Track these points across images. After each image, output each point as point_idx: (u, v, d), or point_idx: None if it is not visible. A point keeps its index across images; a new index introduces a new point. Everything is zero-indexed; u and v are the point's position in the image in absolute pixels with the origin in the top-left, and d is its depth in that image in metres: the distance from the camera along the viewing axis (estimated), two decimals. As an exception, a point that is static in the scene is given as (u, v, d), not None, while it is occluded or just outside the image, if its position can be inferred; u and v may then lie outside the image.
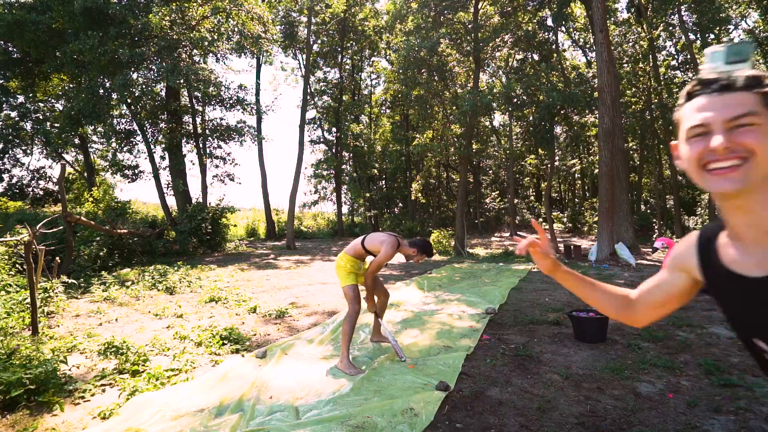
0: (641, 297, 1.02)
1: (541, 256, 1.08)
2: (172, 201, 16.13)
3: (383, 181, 28.85)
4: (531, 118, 18.03)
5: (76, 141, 17.34)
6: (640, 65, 20.14)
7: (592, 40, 19.79)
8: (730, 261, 0.78)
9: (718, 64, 0.75)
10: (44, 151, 18.04)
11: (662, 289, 0.97)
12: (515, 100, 15.48)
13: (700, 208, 22.25)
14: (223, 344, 3.99)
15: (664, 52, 21.78)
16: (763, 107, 0.70)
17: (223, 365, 3.48)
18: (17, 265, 6.27)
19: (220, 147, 17.80)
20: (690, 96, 0.77)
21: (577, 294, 1.10)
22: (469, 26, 15.11)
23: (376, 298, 3.87)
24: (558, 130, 24.56)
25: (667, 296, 0.96)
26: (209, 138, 17.32)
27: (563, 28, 21.41)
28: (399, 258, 12.32)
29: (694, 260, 0.87)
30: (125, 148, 16.99)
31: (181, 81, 12.81)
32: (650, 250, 11.95)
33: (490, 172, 29.54)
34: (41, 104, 16.96)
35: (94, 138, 18.57)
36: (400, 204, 28.72)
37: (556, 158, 25.13)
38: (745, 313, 0.76)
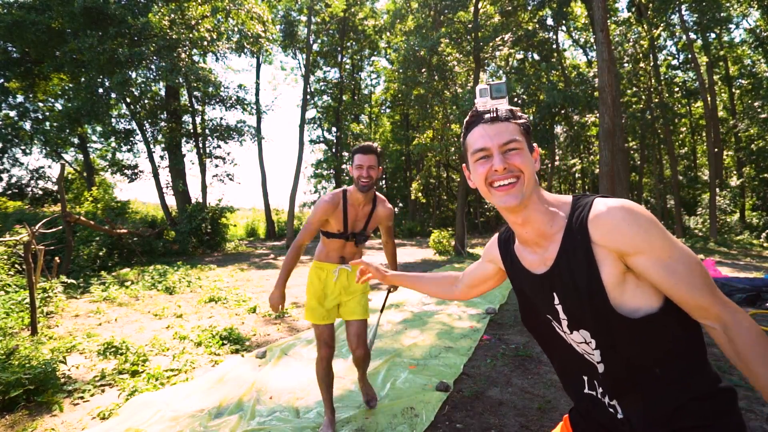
0: (465, 277, 1.28)
1: (375, 275, 1.41)
2: (171, 201, 16.12)
3: (383, 181, 28.86)
4: (531, 117, 18.04)
5: (76, 140, 17.32)
6: (641, 65, 20.14)
7: (592, 40, 19.83)
8: (525, 262, 0.98)
9: (486, 99, 0.92)
10: (43, 150, 17.99)
11: (477, 274, 1.24)
12: (516, 99, 15.48)
13: (700, 208, 22.21)
14: (223, 344, 3.98)
15: (664, 52, 21.80)
16: (520, 134, 0.88)
17: (223, 365, 3.47)
18: (16, 265, 6.26)
19: (219, 147, 17.79)
20: (469, 125, 0.93)
21: (413, 289, 1.38)
22: (469, 26, 15.08)
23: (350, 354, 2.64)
24: (558, 129, 24.54)
25: (481, 278, 1.23)
26: (209, 138, 17.30)
27: (563, 28, 21.43)
28: (400, 258, 12.31)
29: (497, 255, 1.12)
30: (125, 148, 16.98)
31: (181, 80, 12.79)
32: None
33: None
34: (40, 104, 16.92)
35: (94, 137, 18.57)
36: (400, 204, 28.72)
37: (557, 158, 25.09)
38: (539, 300, 0.96)
